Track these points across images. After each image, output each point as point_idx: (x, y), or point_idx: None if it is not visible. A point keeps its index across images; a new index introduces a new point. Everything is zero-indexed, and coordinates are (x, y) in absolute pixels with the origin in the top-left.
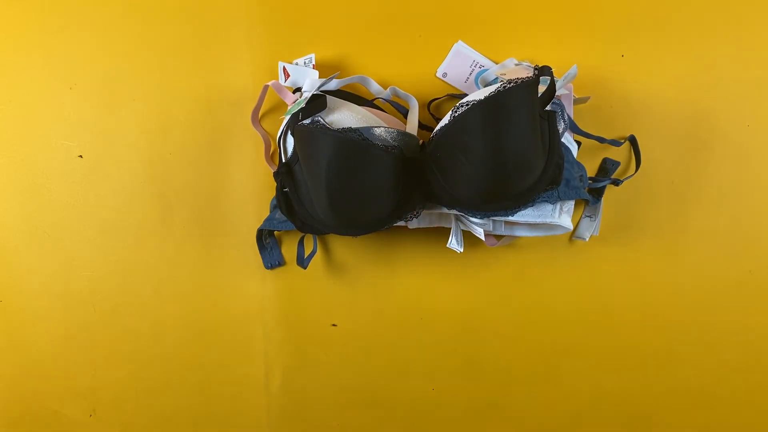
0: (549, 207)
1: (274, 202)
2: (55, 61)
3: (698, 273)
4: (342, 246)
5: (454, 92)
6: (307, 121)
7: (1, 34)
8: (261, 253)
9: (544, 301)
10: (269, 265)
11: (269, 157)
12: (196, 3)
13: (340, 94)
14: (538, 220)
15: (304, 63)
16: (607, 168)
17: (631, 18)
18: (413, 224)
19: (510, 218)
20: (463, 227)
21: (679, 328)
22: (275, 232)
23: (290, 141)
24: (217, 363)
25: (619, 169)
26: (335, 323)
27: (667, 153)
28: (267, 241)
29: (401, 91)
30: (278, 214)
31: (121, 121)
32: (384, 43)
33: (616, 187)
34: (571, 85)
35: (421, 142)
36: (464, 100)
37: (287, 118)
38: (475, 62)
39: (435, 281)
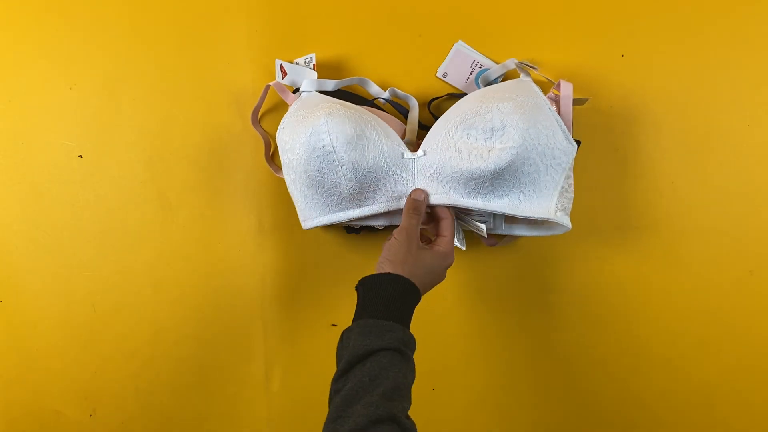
0: (546, 203)
1: None
2: (55, 61)
3: (698, 273)
4: (342, 246)
5: (455, 92)
6: None
7: (2, 33)
8: None
9: (544, 301)
10: None
11: (269, 157)
12: (196, 3)
13: (340, 94)
14: (537, 216)
15: (305, 63)
16: None
17: (631, 18)
18: None
19: (508, 212)
20: (464, 226)
21: (680, 327)
22: None
23: (282, 135)
24: (217, 363)
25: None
26: (335, 323)
27: (667, 153)
28: None
29: (401, 92)
30: None
31: (121, 121)
32: (384, 43)
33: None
34: (571, 85)
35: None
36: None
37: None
38: (476, 62)
39: None
